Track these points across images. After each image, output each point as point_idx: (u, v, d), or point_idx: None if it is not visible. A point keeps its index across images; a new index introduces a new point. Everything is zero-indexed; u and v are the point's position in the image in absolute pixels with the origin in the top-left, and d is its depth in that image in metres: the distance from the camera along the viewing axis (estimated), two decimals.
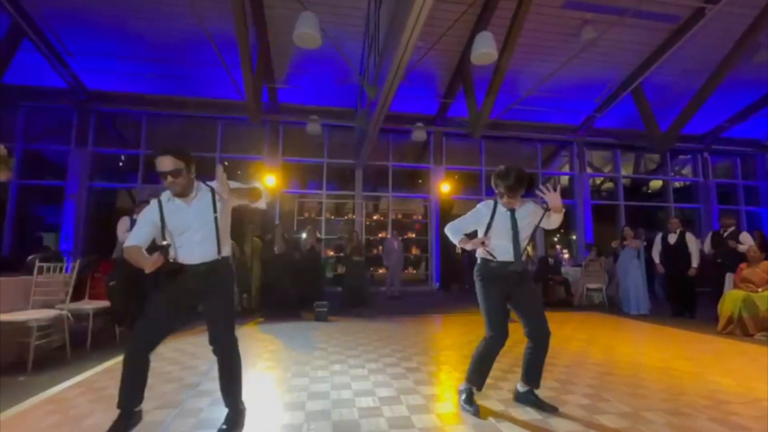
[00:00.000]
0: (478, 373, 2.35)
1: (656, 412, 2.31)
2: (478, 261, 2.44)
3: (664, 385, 2.80)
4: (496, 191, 2.33)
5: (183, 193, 1.98)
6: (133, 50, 7.44)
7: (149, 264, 1.83)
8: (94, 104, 8.43)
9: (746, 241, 5.43)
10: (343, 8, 6.78)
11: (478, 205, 2.46)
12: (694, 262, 5.65)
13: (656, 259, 6.08)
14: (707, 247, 5.80)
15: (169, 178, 1.91)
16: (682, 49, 7.53)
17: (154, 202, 2.02)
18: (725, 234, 5.67)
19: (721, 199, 10.98)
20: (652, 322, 5.38)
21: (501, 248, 2.34)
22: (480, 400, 2.49)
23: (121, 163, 10.19)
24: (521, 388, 2.43)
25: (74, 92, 8.12)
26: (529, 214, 2.35)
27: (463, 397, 2.37)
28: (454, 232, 2.44)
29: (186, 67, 7.84)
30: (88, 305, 3.77)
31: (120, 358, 3.33)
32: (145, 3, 6.55)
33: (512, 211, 2.33)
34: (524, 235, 2.34)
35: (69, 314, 3.43)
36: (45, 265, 3.50)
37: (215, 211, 2.03)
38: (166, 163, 1.91)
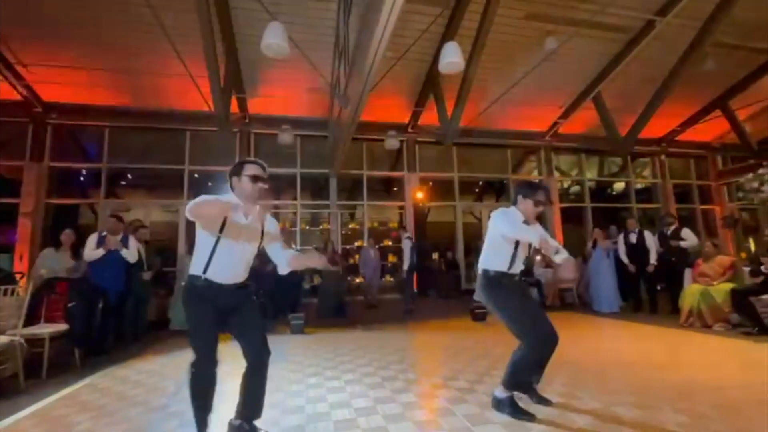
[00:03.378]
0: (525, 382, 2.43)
1: (625, 407, 2.38)
2: (491, 272, 2.41)
3: (632, 380, 2.90)
4: (533, 199, 2.42)
5: (256, 200, 2.00)
6: (93, 61, 7.15)
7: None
8: (51, 117, 8.03)
9: (688, 237, 5.76)
10: (312, 18, 6.79)
11: (506, 211, 2.47)
12: (652, 258, 5.92)
13: (625, 260, 6.23)
14: (657, 245, 6.05)
15: (260, 183, 1.99)
16: (636, 58, 7.99)
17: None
18: (668, 232, 5.99)
19: (678, 198, 11.61)
20: (620, 319, 5.59)
21: (519, 261, 2.44)
22: (457, 404, 2.49)
23: (82, 178, 9.72)
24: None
25: (29, 105, 7.71)
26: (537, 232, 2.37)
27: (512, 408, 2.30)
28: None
29: (150, 77, 7.60)
30: (44, 329, 3.53)
31: (80, 384, 3.15)
32: (105, 13, 6.33)
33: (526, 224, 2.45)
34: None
35: (22, 340, 3.20)
36: None
37: (262, 238, 2.09)
38: (262, 171, 2.04)
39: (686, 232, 5.84)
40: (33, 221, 7.66)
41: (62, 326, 3.67)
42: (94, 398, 2.84)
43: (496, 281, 2.40)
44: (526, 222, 2.44)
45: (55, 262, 4.30)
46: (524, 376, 2.34)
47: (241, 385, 2.05)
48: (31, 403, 2.76)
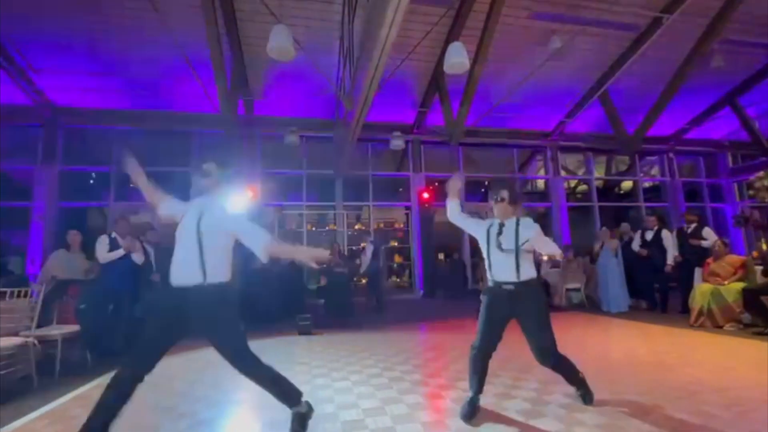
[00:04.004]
0: (471, 378, 2.37)
1: (634, 407, 2.36)
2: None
3: (639, 380, 2.88)
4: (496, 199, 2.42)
5: (206, 189, 2.07)
6: (102, 66, 7.28)
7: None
8: (62, 121, 8.17)
9: (709, 237, 5.66)
10: (317, 20, 6.84)
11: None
12: (670, 258, 5.83)
13: (636, 248, 6.17)
14: (674, 244, 5.98)
15: (197, 176, 2.10)
16: (643, 56, 7.91)
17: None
18: (689, 231, 5.90)
19: (687, 197, 11.47)
20: (629, 319, 5.53)
21: (496, 265, 2.36)
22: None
23: (92, 181, 9.86)
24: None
25: (40, 109, 7.85)
26: (521, 229, 2.33)
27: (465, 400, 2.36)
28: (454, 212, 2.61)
29: (158, 81, 7.71)
30: (56, 330, 3.60)
31: (92, 384, 3.20)
32: (112, 18, 6.43)
33: (501, 225, 2.37)
34: (509, 249, 2.30)
35: (35, 341, 3.26)
36: (8, 290, 3.33)
37: (198, 226, 1.89)
38: (206, 165, 2.09)
39: (707, 232, 5.73)
40: (45, 224, 7.79)
41: (74, 327, 3.73)
42: None
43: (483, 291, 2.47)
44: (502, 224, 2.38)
45: (71, 264, 4.36)
46: (473, 374, 2.35)
47: None
48: (44, 403, 2.81)
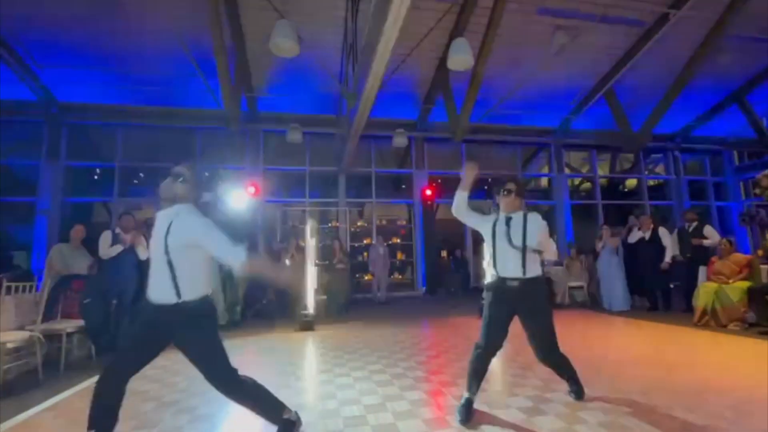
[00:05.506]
0: (471, 379, 2.30)
1: (636, 406, 2.35)
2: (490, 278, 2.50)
3: (643, 379, 2.86)
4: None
5: (167, 200, 1.82)
6: (106, 61, 7.29)
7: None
8: (66, 117, 8.20)
9: (711, 235, 5.60)
10: (321, 16, 6.81)
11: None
12: (668, 256, 5.79)
13: (633, 241, 6.24)
14: (675, 243, 5.93)
15: (169, 180, 1.82)
16: (650, 53, 7.83)
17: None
18: (690, 230, 5.85)
19: (692, 195, 11.38)
20: (632, 318, 5.51)
21: (502, 260, 2.31)
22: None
23: (96, 176, 9.91)
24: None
25: (45, 105, 7.89)
26: (529, 225, 2.26)
27: (461, 402, 2.30)
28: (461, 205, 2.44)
29: (161, 76, 7.71)
30: (62, 325, 3.62)
31: (96, 379, 3.23)
32: (116, 14, 6.43)
33: (508, 219, 2.32)
34: (518, 245, 2.25)
35: (41, 336, 3.29)
36: (14, 284, 3.35)
37: (166, 243, 1.70)
38: (177, 168, 1.87)
39: (708, 230, 5.66)
40: (50, 219, 7.84)
41: (79, 322, 3.76)
42: None
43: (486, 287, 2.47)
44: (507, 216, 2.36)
45: (70, 259, 4.39)
46: (473, 375, 2.29)
47: None
48: (50, 396, 2.84)
